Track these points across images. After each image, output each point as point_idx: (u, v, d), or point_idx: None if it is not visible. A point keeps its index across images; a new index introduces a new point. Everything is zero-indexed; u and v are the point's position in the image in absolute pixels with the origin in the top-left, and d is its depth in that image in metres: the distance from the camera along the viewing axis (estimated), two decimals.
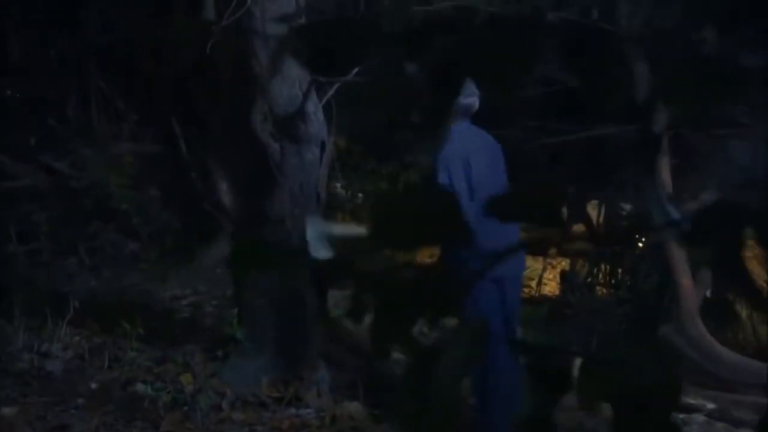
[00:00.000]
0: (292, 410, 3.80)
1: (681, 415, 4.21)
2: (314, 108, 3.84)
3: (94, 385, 4.17)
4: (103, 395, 4.04)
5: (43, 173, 7.93)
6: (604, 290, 9.30)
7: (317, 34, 0.72)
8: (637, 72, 7.07)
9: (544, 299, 10.58)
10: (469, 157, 3.21)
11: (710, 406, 4.69)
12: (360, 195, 9.82)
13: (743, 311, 9.30)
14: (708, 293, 6.92)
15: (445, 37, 0.66)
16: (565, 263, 13.32)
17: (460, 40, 0.65)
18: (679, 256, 6.53)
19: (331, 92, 4.13)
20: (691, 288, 6.42)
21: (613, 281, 9.14)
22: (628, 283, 8.90)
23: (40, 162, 7.90)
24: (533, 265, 13.79)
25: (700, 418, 4.08)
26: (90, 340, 4.88)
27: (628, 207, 9.26)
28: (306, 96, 3.74)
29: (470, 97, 3.23)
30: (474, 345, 0.69)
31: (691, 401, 4.75)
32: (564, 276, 12.11)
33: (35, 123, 7.86)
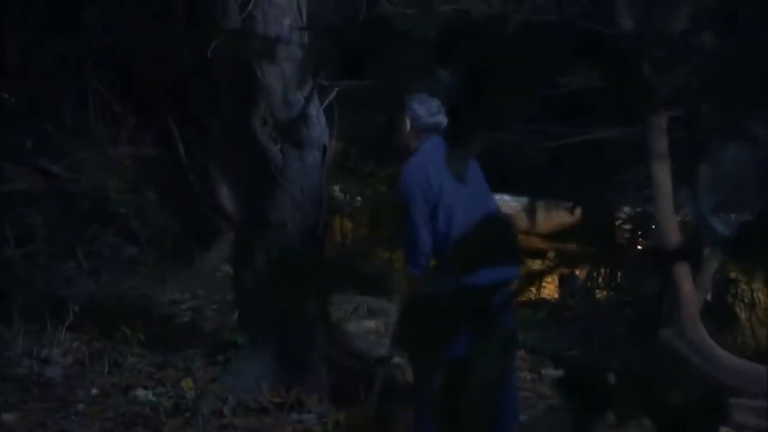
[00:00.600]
0: (295, 415, 3.77)
1: None
2: (316, 111, 3.83)
3: (94, 391, 4.15)
4: (104, 401, 4.02)
5: (40, 176, 7.89)
6: (604, 293, 9.30)
7: (346, 37, 0.70)
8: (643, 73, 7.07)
9: (543, 302, 10.57)
10: (436, 173, 3.13)
11: None
12: (358, 198, 9.81)
13: (742, 314, 9.30)
14: (709, 297, 6.92)
15: (477, 43, 0.64)
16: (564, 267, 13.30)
17: (492, 47, 0.63)
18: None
19: (332, 95, 4.12)
20: (692, 292, 6.41)
21: (612, 284, 9.14)
22: (628, 286, 8.90)
23: (37, 165, 7.86)
24: (531, 268, 13.75)
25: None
26: (90, 345, 4.85)
27: (627, 210, 9.27)
28: (308, 99, 3.72)
29: (437, 115, 3.23)
30: (506, 357, 0.67)
31: None
32: (563, 279, 12.11)
33: (32, 126, 7.82)
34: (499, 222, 0.69)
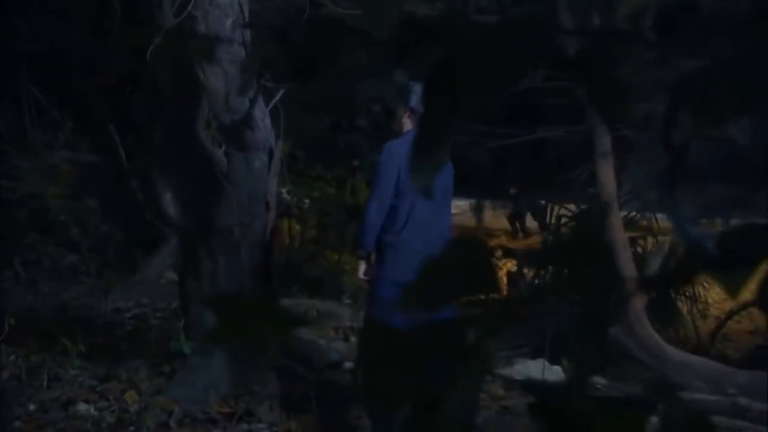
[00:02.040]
0: (244, 426, 3.67)
1: None
2: (261, 114, 3.74)
3: (32, 407, 3.97)
4: (43, 417, 3.84)
5: None
6: (552, 291, 9.38)
7: (296, 39, 0.64)
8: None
9: (492, 301, 10.63)
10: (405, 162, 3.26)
11: None
12: (306, 201, 9.72)
13: (684, 307, 9.50)
14: (653, 294, 7.03)
15: (437, 43, 0.59)
16: (511, 264, 13.45)
17: (453, 48, 0.58)
18: (625, 255, 6.60)
19: (277, 97, 4.03)
20: (637, 288, 6.49)
21: (559, 282, 9.23)
22: (574, 284, 9.01)
23: None
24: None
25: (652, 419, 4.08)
26: (27, 359, 4.66)
27: (572, 208, 9.37)
28: (253, 102, 3.63)
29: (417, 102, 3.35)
30: (477, 389, 0.62)
31: None
32: (510, 277, 12.23)
33: None
34: (473, 246, 0.64)
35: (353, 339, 5.48)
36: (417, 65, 0.61)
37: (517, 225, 12.08)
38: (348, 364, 4.44)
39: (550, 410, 0.61)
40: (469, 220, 12.11)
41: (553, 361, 5.20)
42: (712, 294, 10.81)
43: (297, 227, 10.21)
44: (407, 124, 3.42)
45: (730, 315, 9.06)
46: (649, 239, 8.91)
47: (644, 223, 8.89)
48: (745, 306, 9.41)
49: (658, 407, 0.64)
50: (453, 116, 0.60)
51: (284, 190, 7.92)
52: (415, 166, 0.64)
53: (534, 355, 6.34)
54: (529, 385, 0.62)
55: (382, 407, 0.62)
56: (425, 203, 3.27)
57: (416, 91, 3.35)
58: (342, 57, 0.63)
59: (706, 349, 8.57)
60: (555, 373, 4.74)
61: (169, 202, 4.05)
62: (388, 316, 3.23)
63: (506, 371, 4.67)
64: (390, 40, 0.60)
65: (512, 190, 11.45)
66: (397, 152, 3.28)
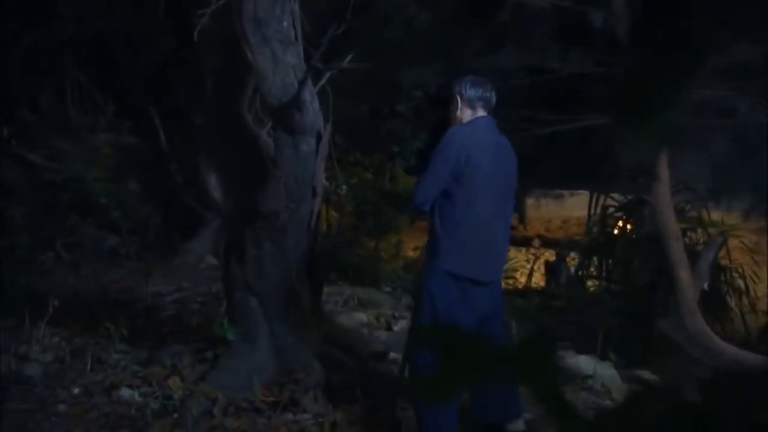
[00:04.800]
0: (289, 416, 3.59)
1: None
2: (310, 97, 3.63)
3: (76, 390, 3.93)
4: (86, 401, 3.80)
5: (18, 166, 7.64)
6: (596, 283, 9.18)
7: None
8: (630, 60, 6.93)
9: (532, 291, 10.46)
10: (475, 147, 3.16)
11: None
12: (344, 187, 9.63)
13: (732, 301, 9.23)
14: (706, 286, 6.81)
15: None
16: (549, 254, 13.23)
17: None
18: (677, 247, 6.40)
19: (324, 78, 3.93)
20: (689, 281, 6.29)
21: (604, 274, 9.02)
22: (621, 276, 8.78)
23: (15, 154, 7.61)
24: (516, 256, 13.69)
25: None
26: (71, 341, 4.65)
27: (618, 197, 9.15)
28: (302, 84, 3.52)
29: (486, 94, 3.31)
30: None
31: None
32: (548, 267, 12.03)
33: (9, 115, 7.56)
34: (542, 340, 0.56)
35: (395, 328, 5.37)
36: None
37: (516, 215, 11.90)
38: (393, 355, 4.33)
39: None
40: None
41: (604, 356, 5.05)
42: (762, 287, 10.52)
43: (334, 214, 10.14)
44: (467, 113, 3.29)
45: None
46: (700, 231, 8.66)
47: (694, 214, 8.64)
48: None
49: None
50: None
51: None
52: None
53: (578, 349, 6.19)
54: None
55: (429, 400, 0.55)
56: (488, 193, 3.15)
57: (465, 86, 3.28)
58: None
59: (754, 343, 8.33)
60: (606, 368, 4.58)
61: (214, 186, 3.99)
62: (438, 309, 3.12)
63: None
64: None
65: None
66: (464, 136, 3.16)
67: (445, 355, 0.58)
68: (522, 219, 16.80)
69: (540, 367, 0.60)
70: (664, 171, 6.65)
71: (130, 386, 3.89)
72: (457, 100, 3.30)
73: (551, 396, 0.57)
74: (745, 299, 9.27)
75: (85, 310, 5.21)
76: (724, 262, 9.10)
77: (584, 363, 4.56)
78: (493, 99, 3.34)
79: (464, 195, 3.09)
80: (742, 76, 6.61)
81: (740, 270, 9.38)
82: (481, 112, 3.31)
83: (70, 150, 7.85)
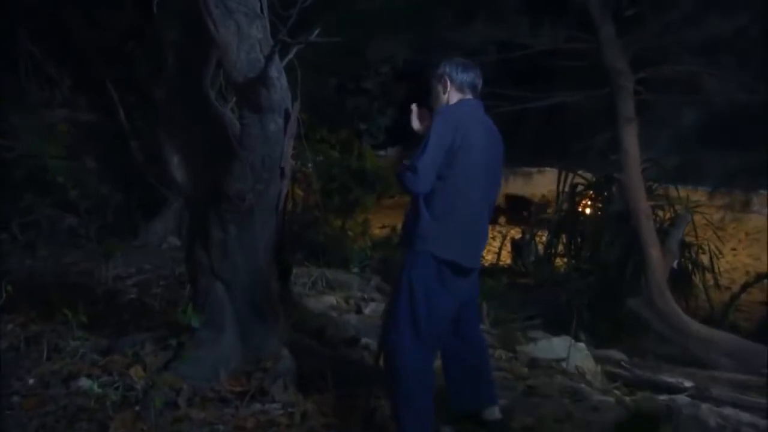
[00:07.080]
0: (258, 406, 3.44)
1: (666, 397, 4.02)
2: (278, 73, 3.45)
3: (31, 381, 3.74)
4: (43, 392, 3.62)
5: None
6: (565, 261, 9.16)
7: None
8: (603, 36, 6.82)
9: (500, 269, 10.42)
10: (465, 128, 3.03)
11: (687, 384, 4.53)
12: (310, 165, 9.42)
13: (697, 277, 9.29)
14: (675, 264, 6.80)
15: None
16: (515, 232, 13.20)
17: None
18: (647, 225, 6.36)
19: (291, 53, 3.75)
20: (660, 259, 6.27)
21: (573, 252, 9.00)
22: (590, 254, 8.76)
23: None
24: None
25: (685, 399, 3.88)
26: (26, 328, 4.45)
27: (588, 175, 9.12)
28: (269, 60, 3.34)
29: (475, 78, 3.22)
30: None
31: (670, 380, 4.59)
32: (514, 244, 12.00)
33: None
34: None
35: (366, 311, 5.25)
36: None
37: None
38: (365, 340, 4.21)
39: None
40: None
41: (577, 337, 4.99)
42: (723, 263, 10.63)
43: (300, 192, 9.97)
44: (455, 97, 3.18)
45: (745, 287, 8.87)
46: (667, 208, 8.66)
47: (661, 192, 8.64)
48: (759, 278, 9.24)
49: None
50: None
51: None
52: None
53: (546, 328, 6.14)
54: None
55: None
56: (479, 178, 3.04)
57: (452, 69, 3.20)
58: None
59: (718, 320, 8.41)
60: (580, 350, 4.52)
61: (176, 167, 3.79)
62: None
63: (529, 349, 4.46)
64: None
65: None
66: (459, 117, 3.04)
67: None
68: None
69: None
70: (634, 148, 6.60)
71: (89, 376, 3.71)
72: (446, 82, 3.18)
73: None
74: (708, 275, 9.37)
75: (41, 294, 5.00)
76: (689, 239, 9.17)
77: (558, 345, 4.49)
78: (480, 84, 3.26)
79: (456, 178, 2.96)
80: (712, 52, 6.57)
81: (704, 246, 9.47)
82: (468, 96, 3.21)
83: (24, 126, 7.55)
